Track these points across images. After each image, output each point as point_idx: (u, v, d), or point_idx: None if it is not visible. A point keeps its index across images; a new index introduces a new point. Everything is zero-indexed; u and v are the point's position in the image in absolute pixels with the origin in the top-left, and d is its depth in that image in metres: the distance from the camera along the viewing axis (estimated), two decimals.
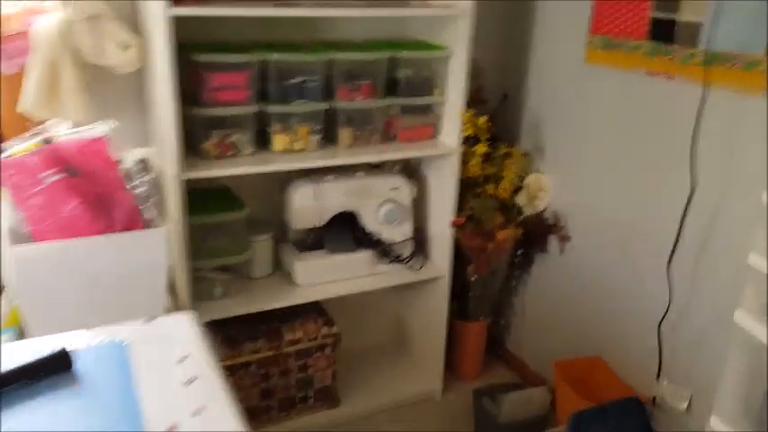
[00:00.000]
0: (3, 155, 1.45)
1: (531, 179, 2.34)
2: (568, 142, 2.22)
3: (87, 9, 1.67)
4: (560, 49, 2.20)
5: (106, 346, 1.02)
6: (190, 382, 0.94)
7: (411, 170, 2.36)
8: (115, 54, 1.74)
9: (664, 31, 1.80)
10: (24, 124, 1.70)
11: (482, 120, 2.10)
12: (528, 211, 2.35)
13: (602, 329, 2.17)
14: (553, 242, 2.33)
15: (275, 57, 1.84)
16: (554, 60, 2.25)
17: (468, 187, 2.28)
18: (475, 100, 2.37)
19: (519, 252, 2.41)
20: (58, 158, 1.48)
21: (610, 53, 1.97)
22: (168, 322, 1.10)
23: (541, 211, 2.35)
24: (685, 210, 1.77)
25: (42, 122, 1.71)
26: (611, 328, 2.13)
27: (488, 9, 2.34)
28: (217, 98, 1.81)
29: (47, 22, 1.65)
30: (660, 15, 1.80)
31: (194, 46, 1.79)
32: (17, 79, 1.69)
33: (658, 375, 1.90)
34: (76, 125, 1.73)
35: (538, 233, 2.36)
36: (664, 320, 1.87)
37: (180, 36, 1.80)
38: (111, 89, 1.87)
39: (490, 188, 2.27)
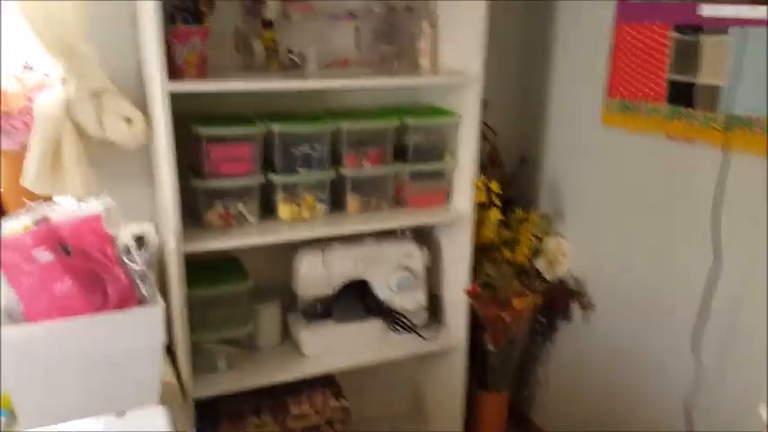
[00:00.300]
0: None
1: (550, 243, 2.24)
2: (588, 206, 2.13)
3: (90, 85, 1.68)
4: (577, 111, 2.13)
5: None
6: None
7: (424, 235, 2.29)
8: (119, 130, 1.73)
9: (682, 94, 1.72)
10: (25, 201, 1.70)
11: (495, 185, 2.03)
12: (548, 277, 2.24)
13: (627, 404, 2.03)
14: (576, 310, 2.22)
15: (279, 128, 1.81)
16: (571, 123, 2.17)
17: (483, 252, 2.20)
18: (491, 163, 2.32)
19: (541, 319, 2.29)
20: (52, 237, 1.46)
21: (627, 116, 1.89)
22: (139, 417, 1.04)
23: (562, 277, 2.25)
24: (708, 282, 1.66)
25: (46, 198, 1.72)
26: (637, 403, 1.99)
27: (504, 71, 2.31)
28: (220, 170, 1.79)
29: (49, 99, 1.66)
30: (678, 78, 1.72)
31: (197, 119, 1.78)
32: (19, 156, 1.70)
33: None
34: (79, 200, 1.73)
35: (559, 300, 2.25)
36: (689, 399, 1.72)
37: (184, 108, 1.81)
38: (119, 163, 1.87)
39: (507, 253, 2.18)
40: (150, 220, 1.81)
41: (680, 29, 1.69)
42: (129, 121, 1.74)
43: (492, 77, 2.26)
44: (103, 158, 1.81)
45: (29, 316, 1.47)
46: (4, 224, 1.45)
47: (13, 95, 1.67)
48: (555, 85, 2.23)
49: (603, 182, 2.05)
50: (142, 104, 1.78)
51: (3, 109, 1.65)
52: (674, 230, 1.79)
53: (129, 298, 1.54)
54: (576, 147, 2.16)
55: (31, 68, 1.75)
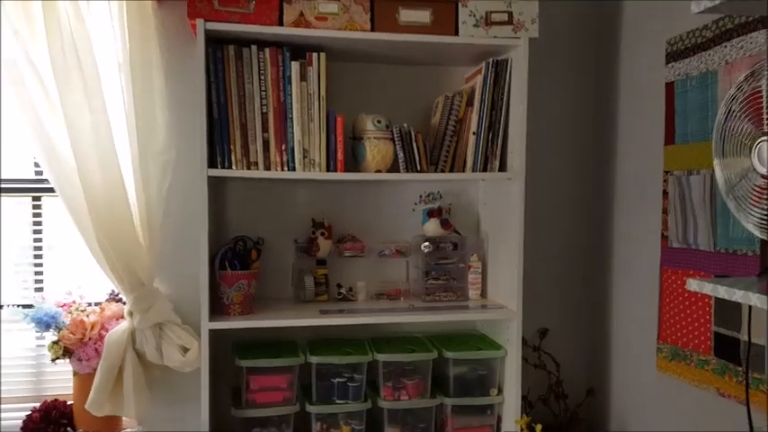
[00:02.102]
0: None
1: None
2: None
3: (154, 319, 1.89)
4: (633, 352, 2.01)
5: None
6: None
7: None
8: (175, 357, 1.90)
9: (728, 349, 1.58)
10: (96, 419, 1.88)
11: (539, 427, 1.92)
12: None
13: None
14: None
15: (316, 359, 1.89)
16: (630, 364, 2.05)
17: None
18: (554, 396, 2.21)
19: None
20: None
21: (679, 365, 1.76)
22: None
23: None
24: None
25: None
26: None
27: (562, 302, 2.28)
28: (256, 400, 1.87)
29: (117, 330, 1.88)
30: (723, 331, 1.60)
31: (242, 347, 1.91)
32: (91, 378, 1.90)
33: None
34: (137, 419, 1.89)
35: None
36: None
37: (234, 335, 1.96)
38: (174, 384, 2.02)
39: None
40: None
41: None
42: (185, 349, 1.92)
43: (554, 304, 2.25)
44: (160, 381, 1.98)
45: None
46: None
47: (91, 324, 1.92)
48: (616, 320, 2.14)
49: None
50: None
51: (79, 338, 1.89)
52: None
53: None
54: (636, 388, 2.01)
55: (116, 296, 2.02)
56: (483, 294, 2.14)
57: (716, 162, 1.18)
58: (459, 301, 2.07)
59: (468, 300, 2.09)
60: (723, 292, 1.15)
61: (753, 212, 1.10)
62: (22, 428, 1.91)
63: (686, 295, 1.72)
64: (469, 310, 2.01)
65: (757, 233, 1.10)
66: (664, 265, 1.82)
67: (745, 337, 1.52)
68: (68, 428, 1.71)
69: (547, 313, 2.24)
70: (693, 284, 1.24)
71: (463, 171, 1.96)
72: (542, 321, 2.24)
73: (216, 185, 1.99)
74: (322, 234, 2.02)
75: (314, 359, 1.90)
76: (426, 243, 2.03)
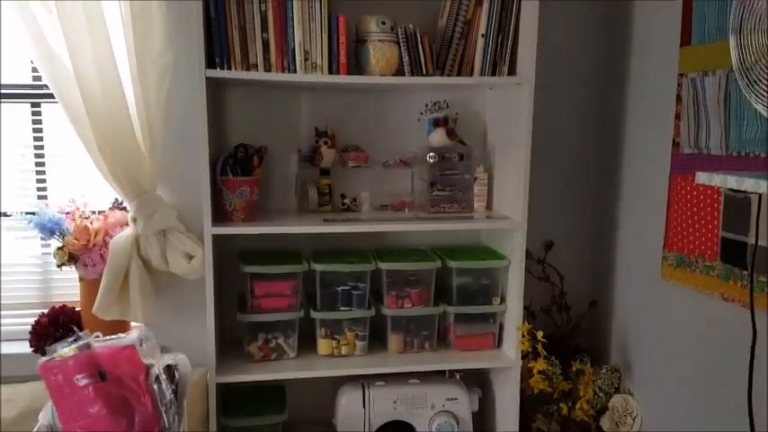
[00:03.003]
0: (48, 357, 1.62)
1: (616, 401, 2.05)
2: (653, 362, 1.94)
3: (158, 225, 1.89)
4: (638, 261, 2.00)
5: None
6: None
7: (477, 378, 2.20)
8: (180, 263, 1.91)
9: (735, 254, 1.56)
10: (103, 323, 1.90)
11: (540, 333, 1.93)
12: None
13: None
14: None
15: (319, 267, 1.89)
16: (634, 273, 2.04)
17: (540, 402, 2.06)
18: (557, 308, 2.22)
19: None
20: (91, 363, 1.62)
21: (684, 272, 1.75)
22: None
23: None
24: None
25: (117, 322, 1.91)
26: None
27: (572, 210, 2.25)
28: (261, 305, 1.89)
29: (122, 236, 1.89)
30: (730, 236, 1.58)
31: (247, 255, 1.91)
32: (97, 284, 1.91)
33: None
34: (145, 326, 1.91)
35: None
36: None
37: (238, 245, 1.96)
38: (180, 292, 2.03)
39: (564, 408, 2.02)
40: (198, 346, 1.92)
41: None
42: (189, 256, 1.92)
43: (559, 218, 2.23)
44: (166, 288, 2.00)
45: None
46: (53, 348, 1.64)
47: (95, 231, 1.92)
48: (622, 231, 2.12)
49: (667, 340, 1.87)
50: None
51: (83, 244, 1.89)
52: (734, 399, 1.56)
53: (153, 426, 1.64)
54: (639, 298, 2.01)
55: (120, 205, 2.01)
56: (488, 207, 2.11)
57: (731, 38, 1.12)
58: (464, 212, 2.05)
59: (474, 212, 2.07)
60: (732, 182, 1.12)
61: (763, 92, 1.05)
62: (30, 333, 1.94)
63: (695, 201, 1.69)
64: (474, 220, 1.99)
65: (765, 113, 1.06)
66: (674, 172, 1.78)
67: (752, 241, 1.50)
68: (75, 328, 1.73)
69: (552, 226, 2.22)
70: (702, 177, 1.21)
71: (471, 75, 1.90)
72: (547, 234, 2.22)
73: (216, 93, 1.95)
74: (325, 143, 1.98)
75: (318, 267, 1.90)
76: (432, 153, 1.99)
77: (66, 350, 1.64)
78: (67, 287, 2.06)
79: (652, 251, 1.89)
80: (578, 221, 2.27)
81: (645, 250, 1.94)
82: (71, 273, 1.98)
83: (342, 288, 1.94)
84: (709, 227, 1.65)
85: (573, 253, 2.26)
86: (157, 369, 1.67)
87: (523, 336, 1.93)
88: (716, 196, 1.62)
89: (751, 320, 1.38)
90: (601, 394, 2.07)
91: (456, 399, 2.03)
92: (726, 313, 1.60)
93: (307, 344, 1.97)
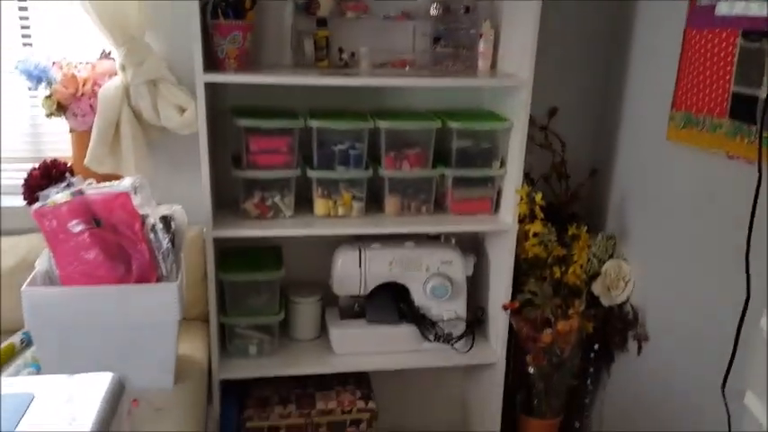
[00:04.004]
0: (41, 203, 1.60)
1: (609, 266, 2.07)
2: (651, 228, 1.94)
3: (148, 74, 1.82)
4: (644, 123, 1.95)
5: (12, 396, 1.05)
6: None
7: (473, 244, 2.21)
8: (172, 117, 1.86)
9: (745, 109, 1.51)
10: (96, 177, 1.87)
11: (539, 196, 1.92)
12: (604, 302, 2.07)
13: None
14: (632, 340, 2.03)
15: (316, 123, 1.84)
16: (639, 136, 2.00)
17: (533, 268, 2.08)
18: (557, 174, 2.20)
19: (595, 348, 2.12)
20: (85, 210, 1.60)
21: (690, 131, 1.70)
22: (85, 380, 1.11)
23: (622, 304, 2.07)
24: (741, 320, 1.44)
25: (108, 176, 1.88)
26: None
27: (576, 77, 2.18)
28: (256, 161, 1.85)
29: (111, 85, 1.82)
30: (742, 90, 1.52)
31: (241, 111, 1.86)
32: (88, 136, 1.87)
33: None
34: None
35: (615, 329, 2.07)
36: None
37: (232, 101, 1.90)
38: (174, 148, 1.99)
39: (557, 272, 2.04)
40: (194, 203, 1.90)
41: (747, 35, 1.49)
42: (182, 109, 1.86)
43: (564, 83, 2.16)
44: (158, 143, 1.95)
45: (63, 281, 1.62)
46: (46, 194, 1.61)
47: (83, 80, 1.85)
48: (627, 95, 2.06)
49: (666, 202, 1.86)
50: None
51: (71, 92, 1.83)
52: (730, 262, 1.57)
53: (151, 274, 1.65)
54: (642, 162, 1.98)
55: (108, 56, 1.92)
56: (493, 68, 2.03)
57: None
58: (467, 71, 1.97)
59: (478, 71, 1.99)
60: (756, 8, 1.05)
61: None
62: (23, 186, 1.91)
63: (708, 55, 1.62)
64: (478, 78, 1.92)
65: None
66: (689, 27, 1.70)
67: (764, 94, 1.45)
68: (67, 175, 1.70)
69: (557, 91, 2.15)
70: (723, 7, 1.14)
71: None
72: (552, 100, 2.16)
73: None
74: None
75: (314, 123, 1.85)
76: (435, 4, 1.89)
77: (59, 196, 1.61)
78: (59, 141, 2.01)
79: (659, 112, 1.84)
80: (585, 86, 2.20)
81: (652, 112, 1.89)
82: (61, 126, 1.93)
83: (339, 147, 1.90)
84: (721, 82, 1.59)
85: (577, 120, 2.21)
86: (153, 219, 1.65)
87: (522, 199, 1.91)
88: (731, 49, 1.55)
89: (757, 167, 1.35)
90: (594, 260, 2.09)
91: (451, 262, 2.04)
92: (729, 172, 1.58)
93: (303, 204, 1.96)
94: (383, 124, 1.87)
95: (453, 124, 1.90)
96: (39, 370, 1.66)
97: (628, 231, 2.06)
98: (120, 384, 1.14)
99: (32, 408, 1.04)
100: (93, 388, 1.10)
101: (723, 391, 1.52)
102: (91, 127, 1.85)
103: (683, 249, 1.79)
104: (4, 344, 1.74)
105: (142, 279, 1.63)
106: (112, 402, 1.08)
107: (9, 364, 1.70)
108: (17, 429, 0.98)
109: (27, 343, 1.77)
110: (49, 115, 1.85)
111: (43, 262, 1.65)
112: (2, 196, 2.01)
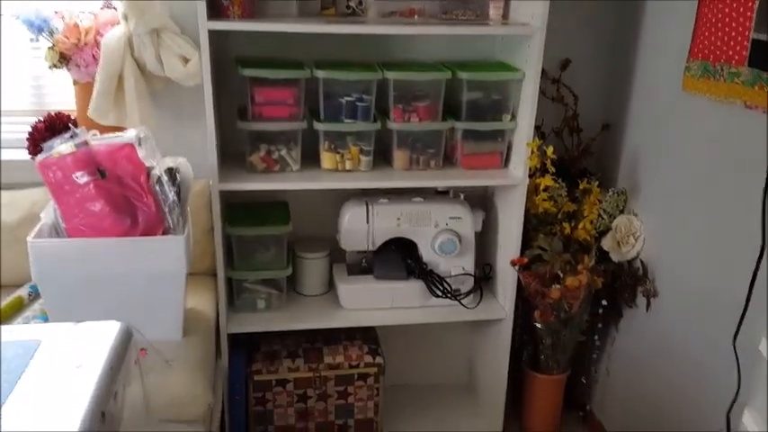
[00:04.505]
0: (45, 154, 1.58)
1: (620, 221, 2.04)
2: (665, 182, 1.90)
3: (150, 23, 1.77)
4: (660, 74, 1.90)
5: (17, 343, 1.05)
6: (68, 389, 0.93)
7: (482, 199, 2.19)
8: (176, 67, 1.82)
9: (764, 57, 1.46)
10: (100, 129, 1.84)
11: (550, 149, 1.88)
12: (614, 258, 2.05)
13: (680, 406, 1.82)
14: (641, 296, 2.01)
15: (323, 74, 1.80)
16: (653, 88, 1.95)
17: (543, 224, 2.06)
18: (568, 128, 2.16)
19: (603, 303, 2.10)
20: (90, 161, 1.58)
21: (707, 81, 1.66)
22: (92, 328, 1.10)
23: (631, 260, 2.05)
24: (755, 273, 1.42)
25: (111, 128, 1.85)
26: (689, 406, 1.78)
27: (591, 27, 2.12)
28: (262, 113, 1.82)
29: (114, 34, 1.78)
30: (761, 37, 1.47)
31: (243, 60, 1.81)
32: (91, 87, 1.84)
33: None
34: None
35: (625, 285, 2.05)
36: (733, 408, 1.50)
37: (237, 51, 1.86)
38: (179, 100, 1.96)
39: (567, 227, 2.02)
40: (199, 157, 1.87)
41: None
42: (185, 59, 1.82)
43: (576, 35, 2.10)
44: (164, 94, 1.92)
45: (69, 233, 1.62)
46: (50, 144, 1.59)
47: (85, 30, 1.81)
48: (642, 45, 2.00)
49: (681, 156, 1.82)
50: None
51: (74, 42, 1.79)
52: (750, 215, 1.54)
53: (157, 226, 1.63)
54: (656, 115, 1.94)
55: (110, 5, 1.88)
56: (505, 17, 1.98)
57: None
58: (478, 19, 1.91)
59: (489, 19, 1.94)
60: None
61: None
62: (27, 139, 1.89)
63: (728, 1, 1.57)
64: (489, 26, 1.86)
65: None
66: None
67: None
68: (71, 126, 1.68)
69: (570, 43, 2.09)
70: None
71: None
72: (565, 52, 2.10)
73: None
74: None
75: (321, 74, 1.80)
76: None
77: (63, 147, 1.59)
78: (62, 94, 1.98)
79: (675, 62, 1.79)
80: (598, 37, 2.14)
81: (667, 62, 1.84)
82: (64, 79, 1.90)
83: (346, 99, 1.86)
84: (740, 29, 1.53)
85: (590, 72, 2.16)
86: (158, 171, 1.64)
87: (533, 152, 1.88)
88: None
89: None
90: (605, 216, 2.06)
91: (460, 217, 2.02)
92: (747, 122, 1.53)
93: (310, 158, 1.93)
94: (392, 75, 1.83)
95: (463, 75, 1.86)
96: (47, 322, 1.66)
97: (639, 186, 2.03)
98: (128, 333, 1.14)
99: (39, 353, 1.03)
100: (100, 335, 1.09)
101: (734, 345, 1.51)
102: (94, 78, 1.82)
103: (696, 204, 1.76)
104: (13, 296, 1.75)
105: (148, 232, 1.62)
106: (119, 350, 1.08)
107: (17, 317, 1.71)
108: (24, 374, 0.98)
109: (35, 296, 1.77)
110: (52, 67, 1.82)
111: (49, 214, 1.64)
112: (5, 150, 1.99)
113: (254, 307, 2.00)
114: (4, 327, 1.09)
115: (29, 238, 1.52)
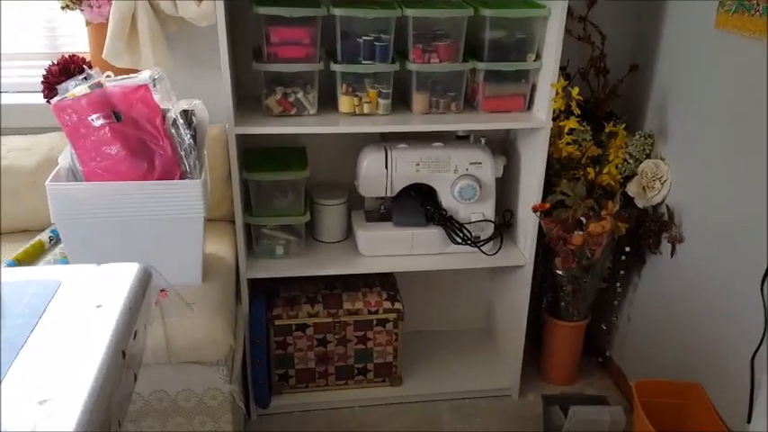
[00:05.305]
0: (60, 96, 1.56)
1: (646, 166, 1.99)
2: (694, 126, 1.84)
3: None
4: (692, 11, 1.81)
5: (38, 282, 1.04)
6: (86, 330, 0.93)
7: (504, 144, 2.14)
8: (189, 6, 1.78)
9: None
10: (115, 72, 1.81)
11: (575, 90, 1.82)
12: (639, 204, 2.01)
13: (703, 352, 1.81)
14: (665, 242, 1.98)
15: (339, 12, 1.74)
16: (684, 26, 1.86)
17: (566, 168, 2.01)
18: (595, 70, 2.08)
19: (626, 250, 2.07)
20: (105, 103, 1.55)
21: (742, 17, 1.57)
22: (112, 269, 1.09)
23: (657, 205, 2.00)
24: None
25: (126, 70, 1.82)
26: (712, 352, 1.76)
27: None
28: (278, 54, 1.77)
29: None
30: None
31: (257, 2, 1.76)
32: (104, 28, 1.80)
33: (749, 419, 1.53)
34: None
35: (649, 230, 2.01)
36: (758, 353, 1.48)
37: None
38: (193, 41, 1.92)
39: (591, 172, 1.97)
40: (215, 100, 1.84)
41: None
42: None
43: None
44: (178, 35, 1.88)
45: (86, 176, 1.60)
46: (65, 87, 1.57)
47: None
48: None
49: (712, 99, 1.75)
50: None
51: None
52: None
53: (173, 170, 1.61)
54: (686, 55, 1.86)
55: None
56: None
57: None
58: None
59: None
60: None
61: None
62: (42, 83, 1.86)
63: None
64: None
65: None
66: None
67: None
68: (85, 68, 1.65)
69: None
70: None
71: None
72: None
73: None
74: None
75: (337, 11, 1.74)
76: None
77: (77, 89, 1.56)
78: (75, 36, 1.95)
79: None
80: None
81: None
82: (78, 21, 1.86)
83: (364, 38, 1.80)
84: None
85: (618, 10, 2.07)
86: (174, 113, 1.61)
87: (557, 93, 1.82)
88: None
89: None
90: (630, 161, 2.01)
91: (480, 163, 1.98)
92: None
93: (327, 102, 1.88)
94: (411, 12, 1.76)
95: (486, 11, 1.78)
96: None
97: (667, 130, 1.97)
98: (147, 273, 1.13)
99: (59, 293, 1.03)
100: (119, 276, 1.09)
101: (762, 290, 1.48)
102: (107, 19, 1.78)
103: (726, 148, 1.70)
104: (33, 241, 1.75)
105: (165, 176, 1.60)
106: (139, 290, 1.07)
107: (39, 261, 1.72)
108: (44, 313, 0.97)
109: (56, 240, 1.78)
110: (65, 7, 1.78)
111: (66, 158, 1.63)
112: (22, 94, 1.97)
113: (273, 253, 2.00)
114: (24, 268, 1.08)
115: (47, 183, 1.51)
